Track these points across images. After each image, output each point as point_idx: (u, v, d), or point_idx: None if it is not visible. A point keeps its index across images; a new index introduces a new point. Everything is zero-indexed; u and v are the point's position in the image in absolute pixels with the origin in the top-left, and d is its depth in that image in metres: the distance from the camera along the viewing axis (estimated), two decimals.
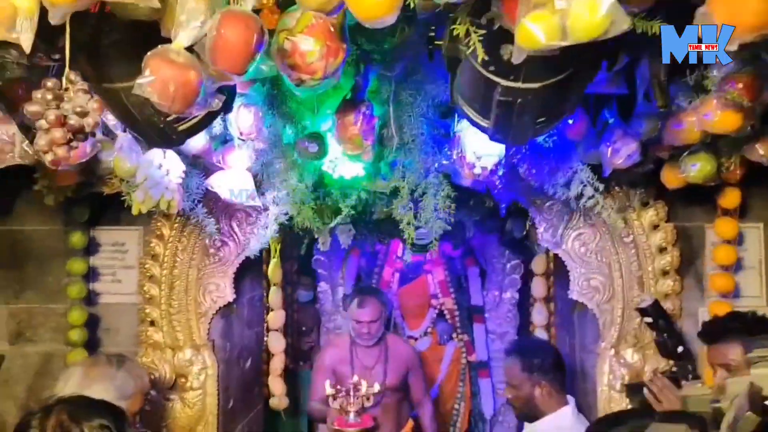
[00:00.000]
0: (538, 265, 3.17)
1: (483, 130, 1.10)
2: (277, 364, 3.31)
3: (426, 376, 3.33)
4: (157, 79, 0.89)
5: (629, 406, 2.17)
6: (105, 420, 1.15)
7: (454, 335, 4.41)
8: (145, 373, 1.88)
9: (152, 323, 2.39)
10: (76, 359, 2.42)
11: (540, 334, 3.23)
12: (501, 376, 4.35)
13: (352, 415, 2.69)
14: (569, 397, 2.15)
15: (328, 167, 1.83)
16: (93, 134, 0.99)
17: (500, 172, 1.56)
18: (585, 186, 1.62)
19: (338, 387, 2.73)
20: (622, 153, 1.45)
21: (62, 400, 1.19)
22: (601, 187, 1.65)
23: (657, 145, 1.53)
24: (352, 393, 2.68)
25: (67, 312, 2.46)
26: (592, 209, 1.83)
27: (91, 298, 2.56)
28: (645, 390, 1.73)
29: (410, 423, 3.14)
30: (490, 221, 3.36)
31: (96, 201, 2.42)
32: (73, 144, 0.97)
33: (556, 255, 2.88)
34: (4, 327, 2.57)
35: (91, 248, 2.56)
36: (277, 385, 3.31)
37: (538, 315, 3.14)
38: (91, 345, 2.52)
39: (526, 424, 2.18)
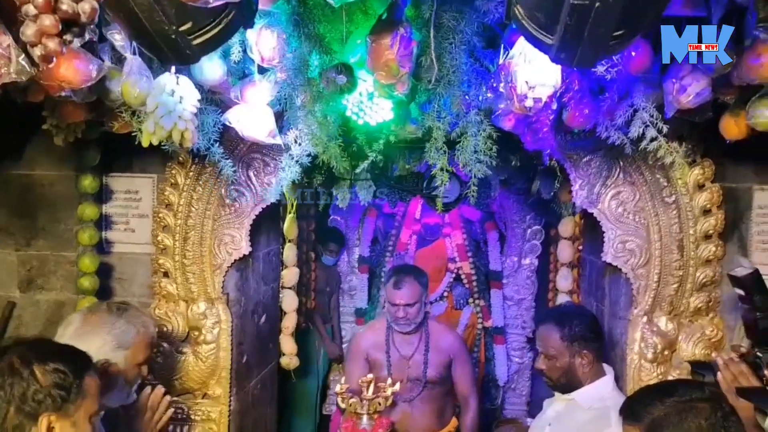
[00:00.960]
0: (566, 228, 3.04)
1: (545, 49, 0.95)
2: (289, 322, 3.25)
3: (473, 368, 2.88)
4: None
5: (659, 378, 2.07)
6: (61, 364, 1.09)
7: (471, 300, 4.34)
8: (151, 323, 1.78)
9: (166, 274, 2.31)
10: None
11: (563, 299, 3.12)
12: (516, 343, 4.32)
13: (365, 419, 2.33)
14: (607, 367, 2.04)
15: (351, 114, 1.71)
16: (93, 33, 0.86)
17: (554, 106, 1.41)
18: (647, 127, 1.47)
19: (348, 387, 2.44)
20: (690, 90, 1.29)
21: (19, 342, 1.15)
22: (665, 128, 1.50)
23: (723, 86, 1.38)
24: (366, 392, 2.37)
25: (78, 259, 2.39)
26: (641, 161, 1.67)
27: (104, 247, 2.49)
28: (718, 373, 1.54)
29: (454, 421, 2.77)
30: (516, 181, 3.23)
31: (108, 146, 2.33)
32: (67, 38, 0.84)
33: (585, 217, 2.77)
34: (15, 274, 2.52)
35: (104, 195, 2.48)
36: (287, 344, 3.26)
37: (564, 280, 3.02)
38: (104, 294, 2.46)
39: (557, 394, 2.06)
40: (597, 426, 1.84)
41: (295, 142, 1.67)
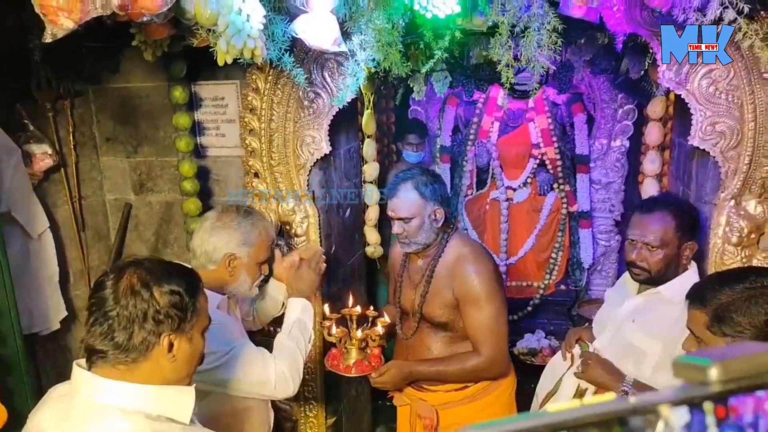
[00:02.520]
0: (655, 108, 2.88)
1: None
2: (372, 214, 3.42)
3: (499, 312, 2.04)
4: None
5: (743, 262, 2.03)
6: (175, 285, 1.15)
7: (555, 185, 4.30)
8: (271, 227, 1.99)
9: (256, 175, 2.48)
10: (191, 207, 2.64)
11: (650, 183, 3.03)
12: (603, 226, 4.28)
13: (353, 353, 2.05)
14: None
15: (419, 8, 1.68)
16: None
17: None
18: (725, 8, 1.34)
19: (334, 314, 2.09)
20: None
21: (136, 262, 1.17)
22: (746, 8, 1.36)
23: None
24: (351, 324, 2.07)
25: (179, 164, 2.63)
26: (732, 39, 1.53)
27: (200, 151, 2.70)
28: None
29: (482, 385, 2.15)
30: (602, 60, 3.03)
31: (193, 56, 2.44)
32: None
33: (677, 97, 2.59)
34: (128, 179, 2.83)
35: (194, 103, 2.65)
36: (371, 235, 3.45)
37: (651, 164, 2.91)
38: (204, 194, 2.72)
39: (629, 286, 2.01)
40: None
41: (360, 47, 1.68)
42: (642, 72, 2.78)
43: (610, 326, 2.04)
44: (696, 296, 1.38)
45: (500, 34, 1.45)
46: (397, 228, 2.07)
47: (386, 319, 2.11)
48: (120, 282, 1.13)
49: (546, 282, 4.24)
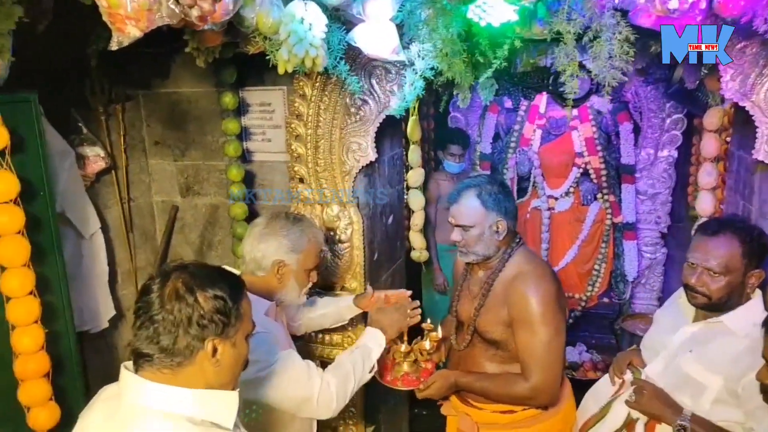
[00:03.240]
0: (712, 119, 2.76)
1: None
2: (418, 220, 3.41)
3: (554, 338, 1.90)
4: None
5: None
6: (219, 290, 1.15)
7: (599, 195, 4.20)
8: (321, 235, 1.98)
9: (301, 180, 2.48)
10: (238, 211, 2.66)
11: (705, 197, 2.91)
12: (649, 238, 4.16)
13: (405, 366, 2.03)
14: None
15: (473, 15, 1.64)
16: None
17: (702, 5, 1.25)
18: None
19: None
20: None
21: (181, 266, 1.18)
22: None
23: None
24: (400, 341, 2.04)
25: (227, 169, 2.65)
26: None
27: (246, 156, 2.73)
28: None
29: (531, 412, 2.00)
30: (655, 69, 2.93)
31: (242, 62, 2.46)
32: None
33: (735, 108, 2.49)
34: (175, 182, 2.87)
35: (241, 109, 2.67)
36: (417, 240, 3.44)
37: (707, 176, 2.79)
38: (250, 199, 2.73)
39: (685, 312, 1.89)
40: (756, 356, 1.55)
41: (419, 56, 1.65)
42: (697, 82, 2.69)
43: (663, 353, 1.91)
44: None
45: (565, 44, 1.41)
46: (455, 235, 1.99)
47: (438, 333, 2.05)
48: (166, 286, 1.13)
49: (588, 294, 4.15)
